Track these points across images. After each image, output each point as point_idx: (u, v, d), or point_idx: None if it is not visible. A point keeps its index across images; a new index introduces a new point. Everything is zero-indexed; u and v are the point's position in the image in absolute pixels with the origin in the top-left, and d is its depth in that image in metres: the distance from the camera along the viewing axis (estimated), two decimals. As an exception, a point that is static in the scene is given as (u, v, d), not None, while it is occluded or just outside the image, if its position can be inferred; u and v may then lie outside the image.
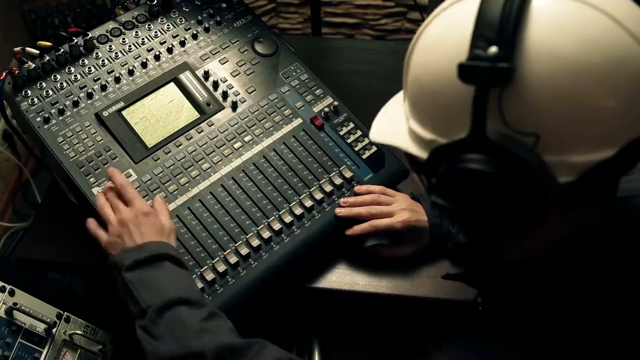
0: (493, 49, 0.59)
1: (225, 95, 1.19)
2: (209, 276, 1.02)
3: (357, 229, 1.09)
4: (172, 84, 1.19)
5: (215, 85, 1.20)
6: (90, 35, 1.20)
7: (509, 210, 0.64)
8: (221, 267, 1.03)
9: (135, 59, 1.21)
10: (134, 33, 1.24)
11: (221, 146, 1.14)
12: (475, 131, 0.62)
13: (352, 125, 1.20)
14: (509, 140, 0.61)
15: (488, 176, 0.62)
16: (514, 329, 0.72)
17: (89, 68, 1.19)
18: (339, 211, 1.10)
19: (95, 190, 1.08)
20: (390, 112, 0.79)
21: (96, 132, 1.13)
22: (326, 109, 1.21)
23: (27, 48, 1.16)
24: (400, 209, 1.09)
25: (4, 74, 1.13)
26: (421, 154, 0.69)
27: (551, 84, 0.60)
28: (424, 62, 0.69)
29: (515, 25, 0.60)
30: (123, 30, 1.24)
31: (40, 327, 1.05)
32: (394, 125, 0.75)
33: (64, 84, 1.16)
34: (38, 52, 1.16)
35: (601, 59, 0.60)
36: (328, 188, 1.12)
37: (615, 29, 0.61)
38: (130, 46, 1.22)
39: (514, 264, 0.79)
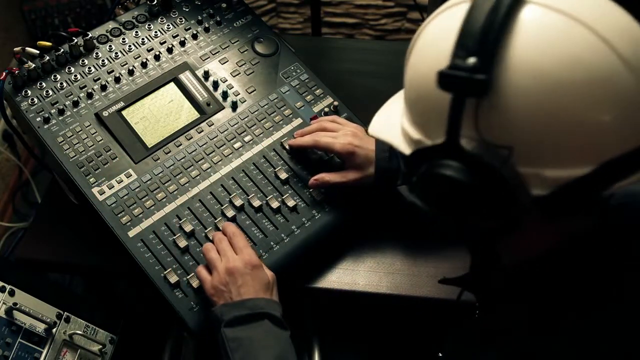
0: (472, 60, 0.59)
1: (225, 95, 1.19)
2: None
3: (299, 140, 1.12)
4: (172, 84, 1.19)
5: (215, 85, 1.20)
6: (90, 35, 1.20)
7: (480, 218, 0.65)
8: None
9: (135, 59, 1.21)
10: (134, 33, 1.24)
11: (221, 146, 1.14)
12: (450, 138, 0.62)
13: (352, 125, 1.19)
14: (483, 150, 0.61)
15: (460, 183, 0.62)
16: (509, 336, 0.72)
17: (89, 68, 1.19)
18: (289, 142, 1.13)
19: (95, 190, 1.08)
20: (390, 107, 0.79)
21: (96, 132, 1.13)
22: (326, 109, 1.21)
23: (27, 48, 1.16)
24: (344, 134, 1.10)
25: (4, 74, 1.13)
26: (408, 152, 0.70)
27: (529, 99, 0.60)
28: (416, 64, 0.70)
29: (497, 37, 0.59)
30: (123, 30, 1.24)
31: (40, 327, 1.05)
32: (390, 121, 0.76)
33: (64, 84, 1.16)
34: (38, 52, 1.16)
35: (583, 77, 0.59)
36: (328, 188, 1.12)
37: (601, 47, 0.60)
38: (130, 46, 1.22)
39: (508, 270, 0.79)
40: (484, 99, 0.60)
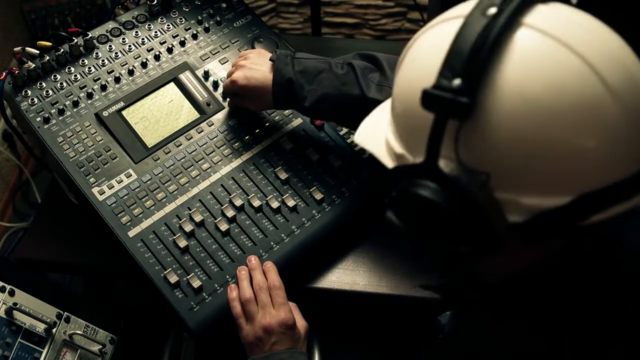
0: (457, 81, 0.58)
1: (225, 95, 1.19)
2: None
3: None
4: (172, 84, 1.19)
5: (215, 85, 1.20)
6: (90, 35, 1.20)
7: (455, 241, 0.64)
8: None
9: (135, 59, 1.21)
10: (134, 33, 1.24)
11: (221, 146, 1.14)
12: (429, 158, 0.61)
13: (352, 125, 1.19)
14: (461, 173, 0.60)
15: (435, 205, 0.61)
16: (476, 350, 0.72)
17: (89, 68, 1.19)
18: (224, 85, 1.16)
19: (95, 190, 1.08)
20: (379, 115, 0.78)
21: (96, 132, 1.13)
22: (326, 109, 1.20)
23: (27, 48, 1.16)
24: (239, 66, 1.12)
25: (4, 74, 1.13)
26: (389, 165, 0.69)
27: (511, 124, 0.59)
28: (404, 78, 0.69)
29: (485, 60, 0.58)
30: (123, 30, 1.24)
31: (40, 327, 1.05)
32: (376, 130, 0.74)
33: (64, 84, 1.16)
34: (38, 52, 1.16)
35: (568, 105, 0.58)
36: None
37: (589, 75, 0.59)
38: (130, 46, 1.22)
39: (486, 285, 0.78)
40: (466, 122, 0.59)
